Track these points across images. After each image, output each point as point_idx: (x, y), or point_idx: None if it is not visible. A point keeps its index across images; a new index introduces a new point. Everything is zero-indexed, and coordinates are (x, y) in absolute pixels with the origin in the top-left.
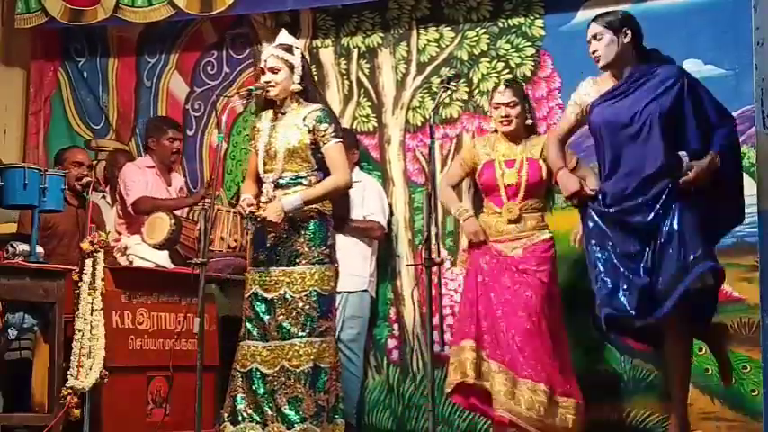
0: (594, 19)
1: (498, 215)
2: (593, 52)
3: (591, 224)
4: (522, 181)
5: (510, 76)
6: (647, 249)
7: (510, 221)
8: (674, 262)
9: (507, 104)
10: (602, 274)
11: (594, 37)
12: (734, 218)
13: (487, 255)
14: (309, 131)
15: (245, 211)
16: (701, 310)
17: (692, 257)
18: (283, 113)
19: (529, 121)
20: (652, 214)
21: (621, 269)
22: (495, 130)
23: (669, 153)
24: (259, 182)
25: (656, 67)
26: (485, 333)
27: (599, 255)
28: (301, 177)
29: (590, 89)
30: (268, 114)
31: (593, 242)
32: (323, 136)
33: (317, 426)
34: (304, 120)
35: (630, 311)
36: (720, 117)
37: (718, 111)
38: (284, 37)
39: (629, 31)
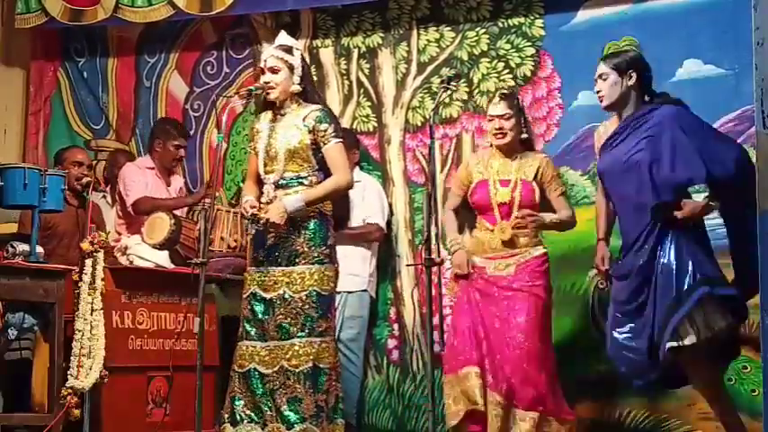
0: (603, 58)
1: (491, 232)
2: (598, 92)
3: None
4: (515, 201)
5: (510, 76)
6: (646, 290)
7: (503, 241)
8: (670, 293)
9: (501, 116)
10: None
11: (600, 77)
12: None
13: (477, 283)
14: (309, 132)
15: (247, 213)
16: (720, 343)
17: (686, 286)
18: (283, 114)
19: (524, 135)
20: (646, 256)
21: (624, 318)
22: (491, 144)
23: (663, 196)
24: (260, 183)
25: (655, 108)
26: (485, 358)
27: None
28: (302, 178)
29: (601, 133)
30: (267, 115)
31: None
32: (323, 136)
33: (316, 426)
34: (304, 120)
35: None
36: (725, 150)
37: (722, 143)
38: (284, 38)
39: (634, 74)
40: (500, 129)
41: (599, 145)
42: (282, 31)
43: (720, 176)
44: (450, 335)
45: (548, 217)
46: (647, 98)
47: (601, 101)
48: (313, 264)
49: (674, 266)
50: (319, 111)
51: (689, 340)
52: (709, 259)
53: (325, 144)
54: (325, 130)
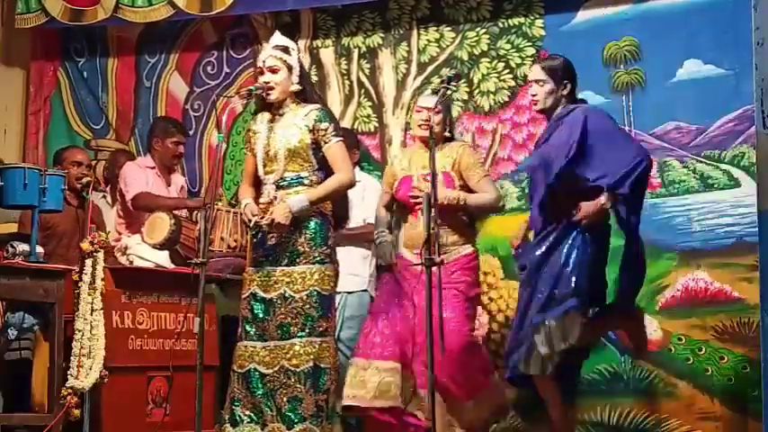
0: (539, 62)
1: (416, 228)
2: (533, 95)
3: None
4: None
5: (510, 76)
6: (532, 286)
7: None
8: (541, 296)
9: (431, 109)
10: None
11: (537, 82)
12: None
13: (405, 276)
14: (310, 131)
15: (249, 222)
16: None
17: (561, 292)
18: (281, 114)
19: (447, 134)
20: (542, 250)
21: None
22: (413, 139)
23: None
24: (256, 185)
25: (573, 110)
26: (415, 356)
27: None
28: (302, 177)
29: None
30: (264, 116)
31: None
32: (323, 135)
33: (316, 426)
34: (303, 120)
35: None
36: (632, 156)
37: (625, 151)
38: (279, 38)
39: (569, 85)
40: (426, 120)
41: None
42: (277, 31)
43: (614, 182)
44: (367, 321)
45: (472, 198)
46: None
47: (534, 104)
48: (314, 264)
49: (557, 270)
50: (318, 110)
51: (543, 350)
52: (594, 269)
53: (326, 143)
54: (326, 129)
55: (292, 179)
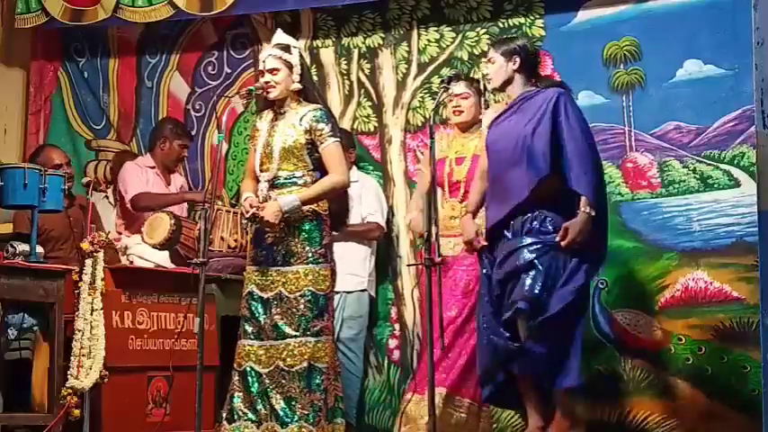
0: (493, 44)
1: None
2: (485, 75)
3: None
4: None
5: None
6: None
7: (452, 218)
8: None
9: (460, 95)
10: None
11: (489, 60)
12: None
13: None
14: (306, 131)
15: (247, 213)
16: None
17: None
18: (283, 113)
19: (482, 116)
20: (515, 250)
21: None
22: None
23: (539, 182)
24: (257, 180)
25: (539, 92)
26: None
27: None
28: (296, 177)
29: (489, 115)
30: (268, 114)
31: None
32: (320, 135)
33: (313, 425)
34: (301, 120)
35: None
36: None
37: (592, 147)
38: (281, 36)
39: (518, 59)
40: (457, 107)
41: (487, 122)
42: (279, 29)
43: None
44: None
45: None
46: (532, 81)
47: (488, 83)
48: (308, 264)
49: (523, 267)
50: (317, 110)
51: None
52: (555, 275)
53: (322, 143)
54: (322, 130)
55: (286, 178)
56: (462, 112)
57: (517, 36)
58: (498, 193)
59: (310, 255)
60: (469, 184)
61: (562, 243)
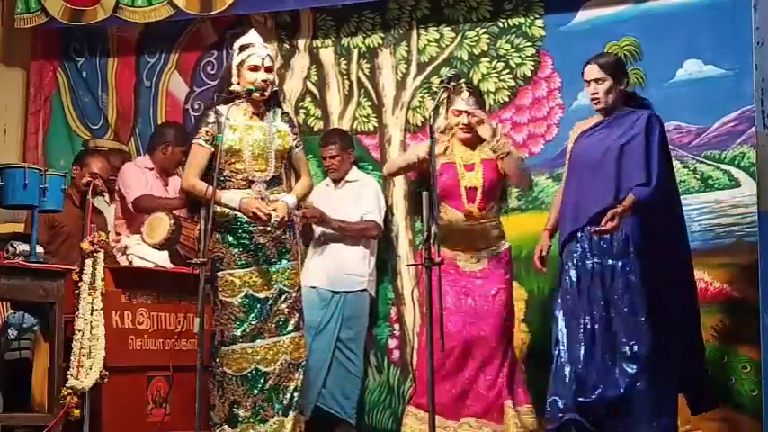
0: (592, 61)
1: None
2: (593, 94)
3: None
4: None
5: (510, 76)
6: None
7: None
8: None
9: (470, 114)
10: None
11: (596, 81)
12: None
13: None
14: (293, 134)
15: (269, 219)
16: None
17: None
18: (259, 114)
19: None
20: (609, 259)
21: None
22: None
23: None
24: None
25: (634, 112)
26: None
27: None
28: (280, 178)
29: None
30: (239, 110)
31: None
32: (295, 139)
33: (300, 414)
34: (285, 122)
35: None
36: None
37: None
38: (256, 37)
39: (626, 80)
40: (467, 125)
41: (574, 136)
42: (252, 29)
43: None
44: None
45: None
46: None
47: (596, 103)
48: (296, 260)
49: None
50: (289, 114)
51: None
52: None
53: (296, 147)
54: (297, 134)
55: (275, 178)
56: (472, 129)
57: (613, 53)
58: (578, 201)
59: (296, 251)
60: (487, 190)
61: (602, 229)
